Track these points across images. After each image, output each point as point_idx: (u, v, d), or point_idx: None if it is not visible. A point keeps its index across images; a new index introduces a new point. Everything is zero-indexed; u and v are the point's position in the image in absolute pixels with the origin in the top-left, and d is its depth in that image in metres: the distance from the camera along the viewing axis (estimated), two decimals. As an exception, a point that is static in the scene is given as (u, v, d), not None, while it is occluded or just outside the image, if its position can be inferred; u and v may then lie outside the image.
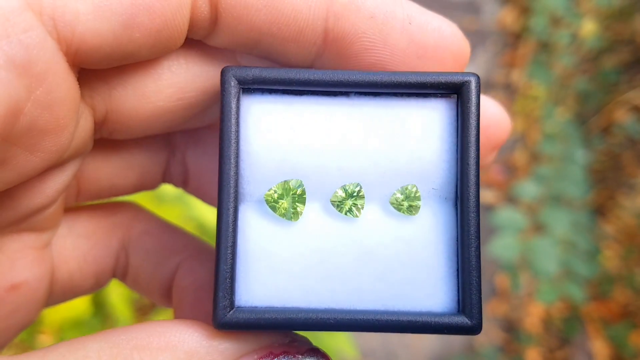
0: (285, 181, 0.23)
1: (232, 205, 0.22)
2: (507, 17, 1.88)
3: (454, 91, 0.23)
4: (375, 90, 0.23)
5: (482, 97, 0.27)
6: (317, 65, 0.25)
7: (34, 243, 0.26)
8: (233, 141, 0.22)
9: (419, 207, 0.23)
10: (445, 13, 0.25)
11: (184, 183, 0.31)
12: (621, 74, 1.56)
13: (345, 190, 0.23)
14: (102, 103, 0.24)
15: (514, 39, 1.84)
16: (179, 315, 0.29)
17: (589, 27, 1.50)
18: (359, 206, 0.23)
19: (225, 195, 0.22)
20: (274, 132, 0.23)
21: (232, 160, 0.22)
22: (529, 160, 1.57)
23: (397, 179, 0.23)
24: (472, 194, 0.23)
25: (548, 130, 1.36)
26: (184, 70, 0.24)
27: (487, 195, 1.62)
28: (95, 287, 0.30)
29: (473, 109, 0.23)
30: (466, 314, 0.22)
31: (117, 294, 0.81)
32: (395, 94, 0.24)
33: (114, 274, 0.30)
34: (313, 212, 0.23)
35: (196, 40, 0.24)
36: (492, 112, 0.27)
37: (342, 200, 0.23)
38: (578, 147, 1.28)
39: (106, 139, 0.27)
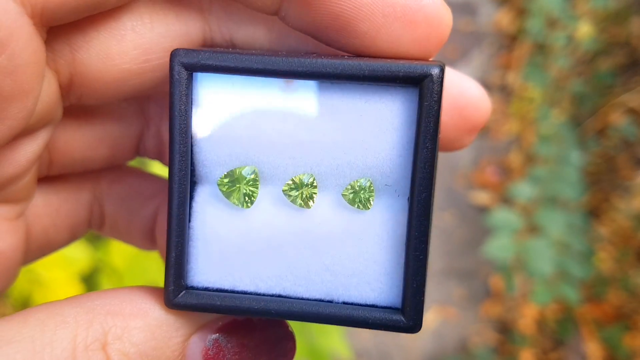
0: (238, 167, 0.23)
1: (182, 188, 0.23)
2: (503, 18, 1.88)
3: (414, 84, 0.22)
4: (325, 80, 0.22)
5: (462, 77, 0.27)
6: (284, 8, 0.23)
7: (8, 214, 0.26)
8: (183, 125, 0.22)
9: (372, 202, 0.23)
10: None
11: (159, 156, 0.30)
12: (616, 77, 1.56)
13: (298, 180, 0.23)
14: (65, 67, 0.24)
15: (510, 40, 1.84)
16: None
17: (584, 30, 1.50)
18: (311, 197, 0.23)
19: (175, 178, 0.22)
20: (228, 116, 0.23)
21: (182, 144, 0.22)
22: (524, 162, 1.58)
23: (352, 172, 0.23)
24: (424, 195, 0.22)
25: (543, 132, 1.37)
26: (149, 30, 0.24)
27: (482, 197, 1.62)
28: (70, 240, 0.31)
29: (433, 107, 0.21)
30: (405, 313, 0.22)
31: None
32: (354, 82, 0.22)
33: (90, 226, 0.31)
34: (265, 199, 0.23)
35: None
36: (472, 93, 0.26)
37: (294, 190, 0.23)
38: (573, 149, 1.28)
39: (78, 110, 0.27)
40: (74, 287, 0.78)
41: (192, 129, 0.23)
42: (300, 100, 0.23)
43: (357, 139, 0.23)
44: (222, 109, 0.23)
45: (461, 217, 1.59)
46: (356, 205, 0.23)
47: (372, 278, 0.23)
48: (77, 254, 0.78)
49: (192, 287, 0.23)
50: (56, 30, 0.23)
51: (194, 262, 0.23)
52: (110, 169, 0.31)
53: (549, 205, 1.18)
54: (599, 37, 1.54)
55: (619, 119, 1.51)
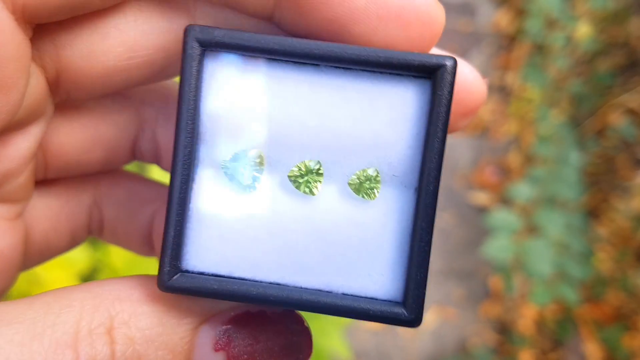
0: (244, 150, 0.23)
1: (186, 166, 0.22)
2: (502, 19, 1.88)
3: (427, 75, 0.22)
4: (340, 65, 0.22)
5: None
6: (277, 14, 0.24)
7: (6, 214, 0.26)
8: (192, 102, 0.22)
9: (378, 192, 0.23)
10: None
11: (157, 160, 0.30)
12: (615, 77, 1.57)
13: (304, 167, 0.23)
14: (51, 64, 0.24)
15: (509, 41, 1.84)
16: None
17: (583, 30, 1.50)
18: (317, 184, 0.23)
19: (179, 155, 0.22)
20: (238, 97, 0.23)
21: (190, 122, 0.22)
22: (524, 162, 1.58)
23: (359, 161, 0.23)
24: (432, 186, 0.22)
25: (542, 133, 1.37)
26: (132, 28, 0.24)
27: (481, 197, 1.62)
28: (71, 245, 0.30)
29: (445, 96, 0.22)
30: (406, 306, 0.22)
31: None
32: (366, 70, 0.22)
33: (90, 231, 0.31)
34: (270, 184, 0.23)
35: None
36: (464, 76, 0.26)
37: (299, 176, 0.23)
38: (572, 149, 1.28)
39: (70, 111, 0.27)
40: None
41: (201, 107, 0.22)
42: (312, 85, 0.23)
43: (366, 128, 0.22)
44: (232, 89, 0.23)
45: (460, 218, 1.59)
46: (361, 195, 0.23)
47: (374, 270, 0.23)
48: (76, 255, 0.78)
49: (187, 271, 0.23)
50: (41, 29, 0.23)
51: (191, 244, 0.23)
52: (109, 174, 0.31)
53: (548, 205, 1.18)
54: (598, 38, 1.54)
55: (618, 120, 1.51)
